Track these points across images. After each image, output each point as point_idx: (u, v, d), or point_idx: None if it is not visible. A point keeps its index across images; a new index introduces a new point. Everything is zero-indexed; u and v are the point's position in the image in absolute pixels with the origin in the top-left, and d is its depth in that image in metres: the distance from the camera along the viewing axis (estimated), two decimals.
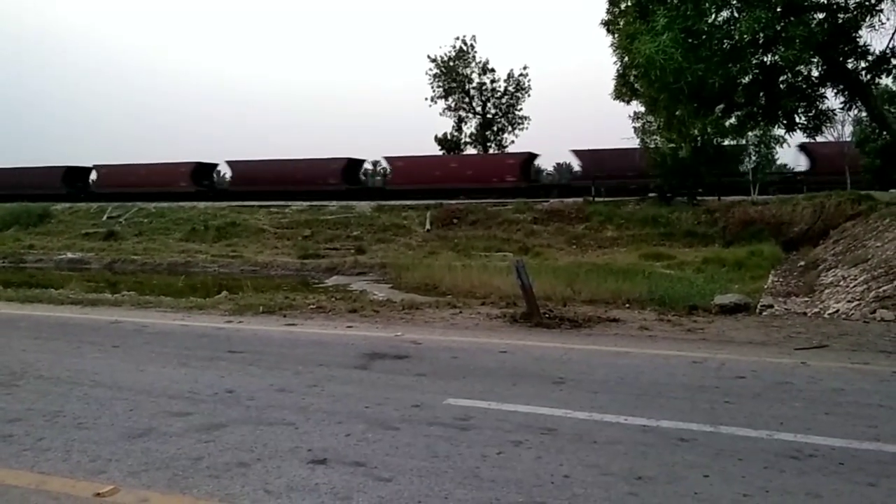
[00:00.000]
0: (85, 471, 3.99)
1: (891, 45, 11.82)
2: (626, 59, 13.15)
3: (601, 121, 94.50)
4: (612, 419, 4.93)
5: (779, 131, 20.84)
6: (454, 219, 30.50)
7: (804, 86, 12.26)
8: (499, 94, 50.68)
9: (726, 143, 29.93)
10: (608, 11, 15.21)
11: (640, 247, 24.38)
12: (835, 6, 11.41)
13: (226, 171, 50.03)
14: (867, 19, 11.39)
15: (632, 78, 13.94)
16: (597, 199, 32.24)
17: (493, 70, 50.37)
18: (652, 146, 31.71)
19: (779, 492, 3.64)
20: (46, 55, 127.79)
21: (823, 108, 12.55)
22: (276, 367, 6.75)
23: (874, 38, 12.47)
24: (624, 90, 17.68)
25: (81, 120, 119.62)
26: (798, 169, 39.89)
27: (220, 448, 4.35)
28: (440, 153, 47.84)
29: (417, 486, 3.72)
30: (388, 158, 44.98)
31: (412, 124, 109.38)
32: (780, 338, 8.25)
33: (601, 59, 59.31)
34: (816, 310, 10.35)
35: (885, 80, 15.63)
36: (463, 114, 51.10)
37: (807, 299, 11.68)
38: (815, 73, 12.28)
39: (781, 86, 11.92)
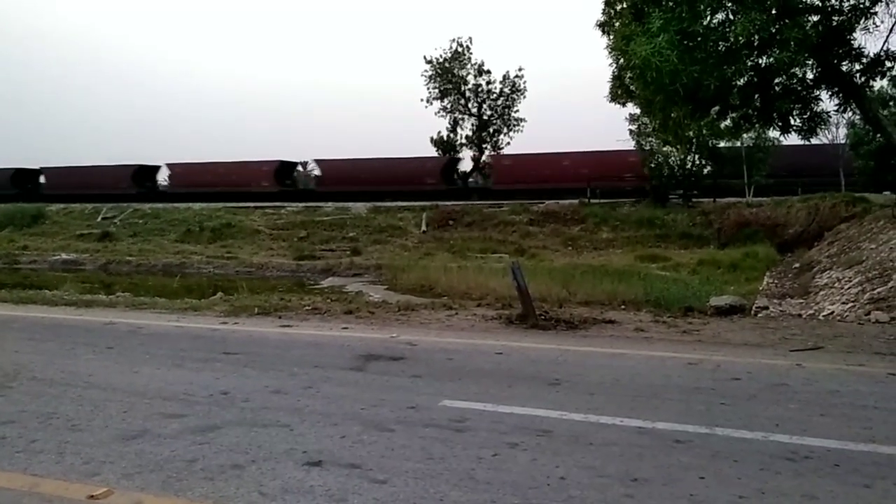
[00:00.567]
0: (78, 473, 3.97)
1: (885, 48, 11.86)
2: (622, 60, 13.16)
3: (598, 123, 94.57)
4: (607, 421, 4.93)
5: (773, 133, 20.98)
6: (450, 220, 30.49)
7: (799, 88, 12.28)
8: (494, 95, 50.72)
9: (721, 144, 30.12)
10: (603, 13, 15.22)
11: (636, 248, 24.42)
12: (829, 9, 11.45)
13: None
14: (861, 22, 11.42)
15: (627, 80, 13.95)
16: (592, 200, 32.30)
17: (488, 72, 50.39)
18: (647, 148, 31.83)
19: (774, 493, 3.65)
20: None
21: (818, 110, 12.56)
22: (272, 368, 6.73)
23: (868, 41, 12.55)
24: (620, 92, 17.70)
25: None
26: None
27: (215, 450, 4.33)
28: (373, 157, 46.13)
29: (413, 487, 3.71)
30: (318, 161, 45.12)
31: (407, 125, 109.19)
32: (775, 339, 8.27)
33: (597, 61, 59.24)
34: (811, 311, 10.38)
35: (880, 83, 15.71)
36: (458, 115, 51.13)
37: (802, 301, 11.71)
38: (809, 76, 12.31)
39: (776, 88, 11.95)
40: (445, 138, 50.99)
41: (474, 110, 50.91)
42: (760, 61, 11.75)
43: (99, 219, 34.95)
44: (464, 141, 51.26)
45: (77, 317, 10.42)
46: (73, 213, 36.63)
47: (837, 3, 11.48)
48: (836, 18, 11.50)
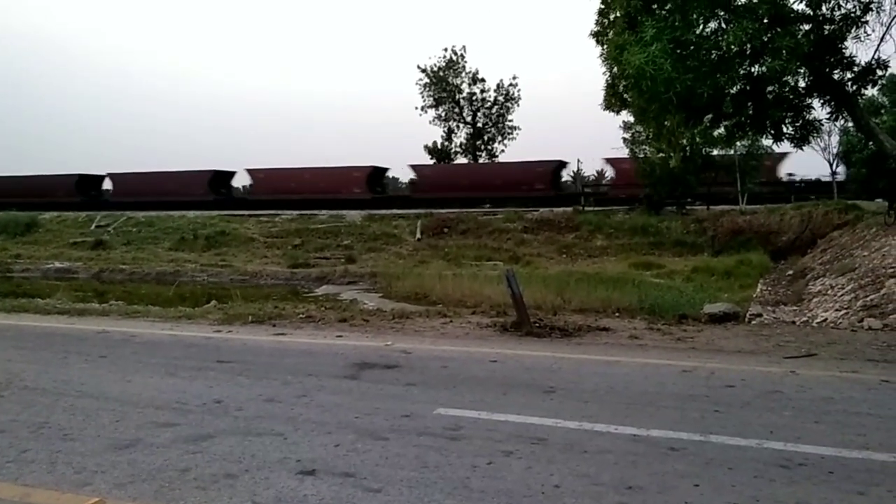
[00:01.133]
0: (70, 483, 3.94)
1: (876, 57, 11.98)
2: (616, 69, 13.22)
3: (592, 131, 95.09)
4: (602, 428, 4.92)
5: (766, 141, 21.08)
6: (445, 228, 30.50)
7: (791, 96, 12.38)
8: (489, 103, 50.92)
9: (715, 152, 30.27)
10: (597, 23, 15.30)
11: (630, 256, 24.46)
12: (821, 18, 11.56)
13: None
14: (852, 31, 11.54)
15: (621, 88, 14.02)
16: (586, 208, 32.40)
17: (483, 80, 50.67)
18: (641, 156, 31.95)
19: (769, 501, 3.65)
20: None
21: (810, 118, 12.67)
22: (265, 376, 6.71)
23: (859, 50, 12.63)
24: (614, 100, 17.74)
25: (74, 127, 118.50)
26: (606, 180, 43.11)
27: (208, 459, 4.30)
28: (302, 166, 45.63)
29: (407, 496, 3.70)
30: (249, 171, 45.18)
31: (404, 132, 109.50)
32: (769, 346, 8.28)
33: (591, 70, 59.71)
34: (805, 318, 10.41)
35: (871, 91, 15.83)
36: (453, 123, 51.29)
37: (795, 308, 11.75)
38: (801, 84, 12.42)
39: (769, 96, 12.04)
40: (440, 146, 51.17)
41: (468, 118, 51.11)
42: (753, 70, 11.84)
43: (92, 227, 34.82)
44: (458, 149, 51.49)
45: (70, 325, 10.36)
46: (67, 221, 36.48)
47: (829, 12, 11.59)
48: (827, 27, 11.62)
